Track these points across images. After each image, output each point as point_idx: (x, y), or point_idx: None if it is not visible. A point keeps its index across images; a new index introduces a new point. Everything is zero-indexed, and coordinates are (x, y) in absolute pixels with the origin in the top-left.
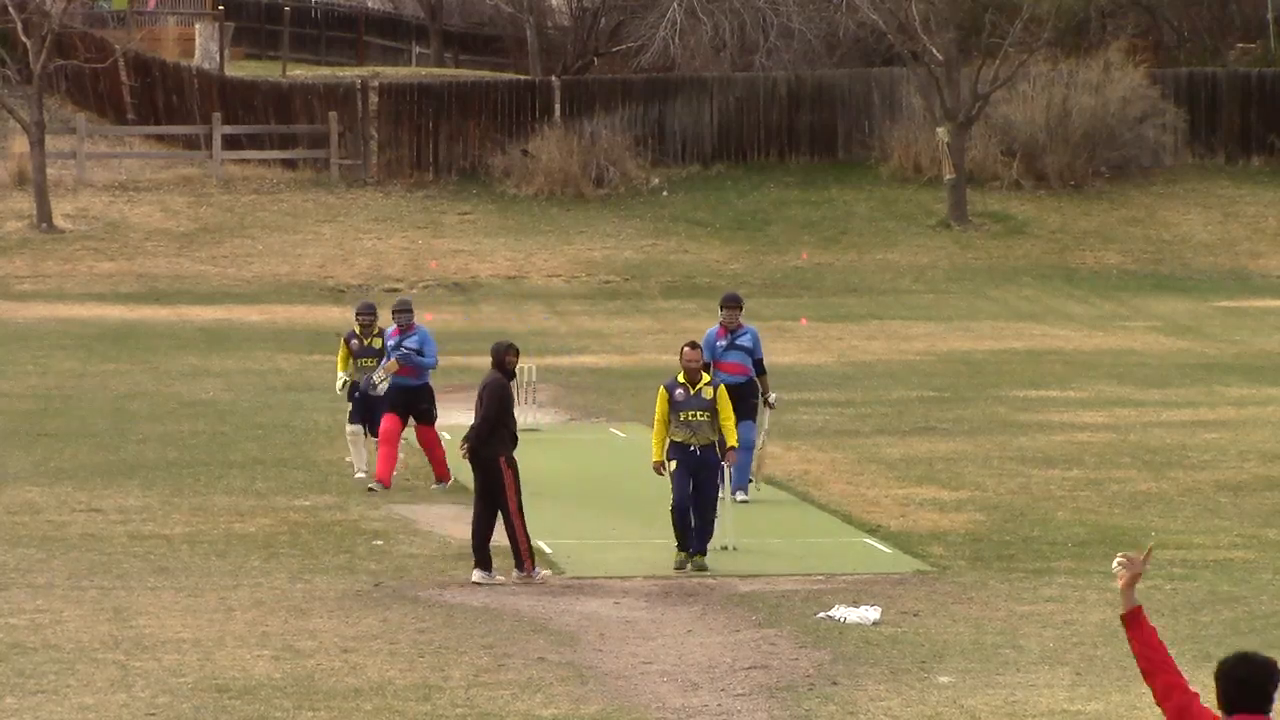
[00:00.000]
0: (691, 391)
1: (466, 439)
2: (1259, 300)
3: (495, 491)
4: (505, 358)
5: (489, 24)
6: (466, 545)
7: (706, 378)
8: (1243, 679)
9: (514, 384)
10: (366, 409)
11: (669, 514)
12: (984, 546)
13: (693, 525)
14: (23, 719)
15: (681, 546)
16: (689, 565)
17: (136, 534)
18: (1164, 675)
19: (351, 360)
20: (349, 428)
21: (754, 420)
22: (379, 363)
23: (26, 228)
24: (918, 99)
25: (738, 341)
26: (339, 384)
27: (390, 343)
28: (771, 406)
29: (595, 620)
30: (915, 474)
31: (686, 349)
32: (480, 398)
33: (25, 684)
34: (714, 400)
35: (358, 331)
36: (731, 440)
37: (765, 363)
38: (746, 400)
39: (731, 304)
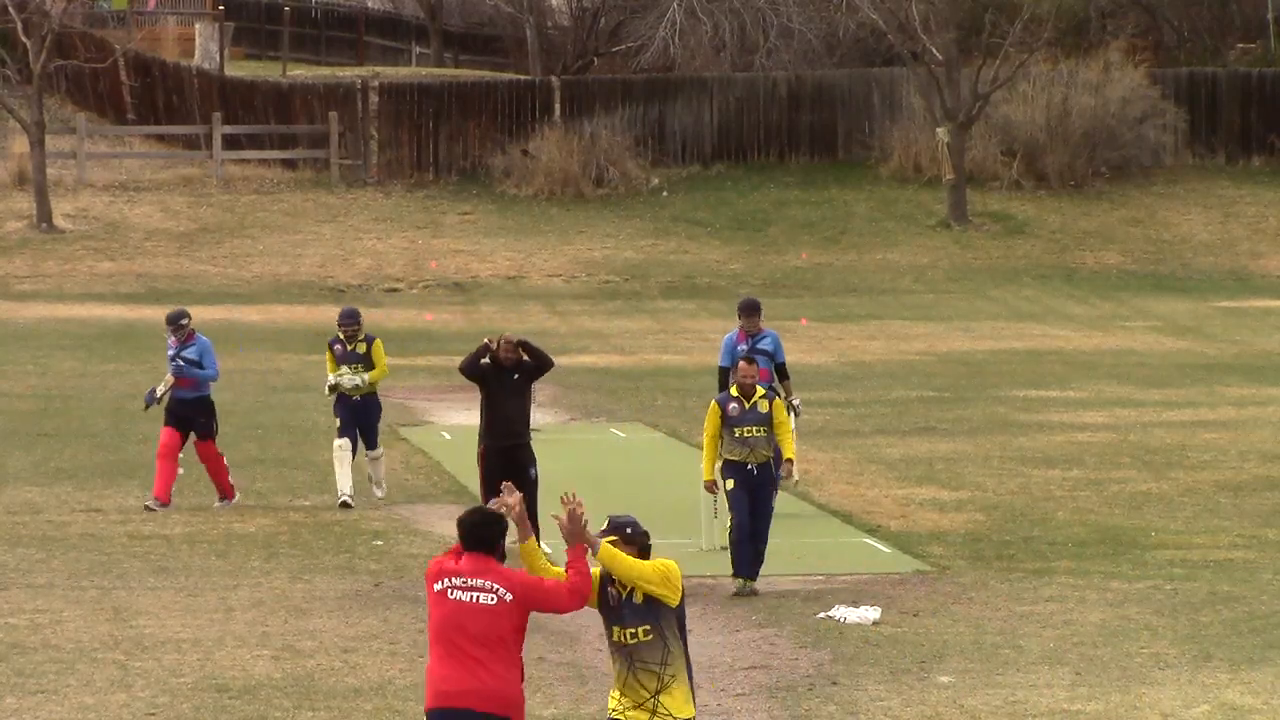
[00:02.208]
0: (746, 405)
1: None
2: (1259, 300)
3: None
4: (492, 350)
5: (489, 24)
6: None
7: (761, 390)
8: (474, 524)
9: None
10: (355, 422)
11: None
12: (984, 546)
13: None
14: (23, 719)
15: (738, 572)
16: (746, 589)
17: (136, 534)
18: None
19: (337, 366)
20: (337, 441)
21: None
22: (362, 369)
23: (26, 228)
24: (918, 99)
25: (758, 345)
26: (327, 387)
27: (170, 352)
28: (796, 413)
29: (596, 620)
30: (915, 474)
31: (743, 364)
32: None
33: (25, 684)
34: (770, 413)
35: (342, 337)
36: (789, 451)
37: (788, 366)
38: None
39: (746, 312)
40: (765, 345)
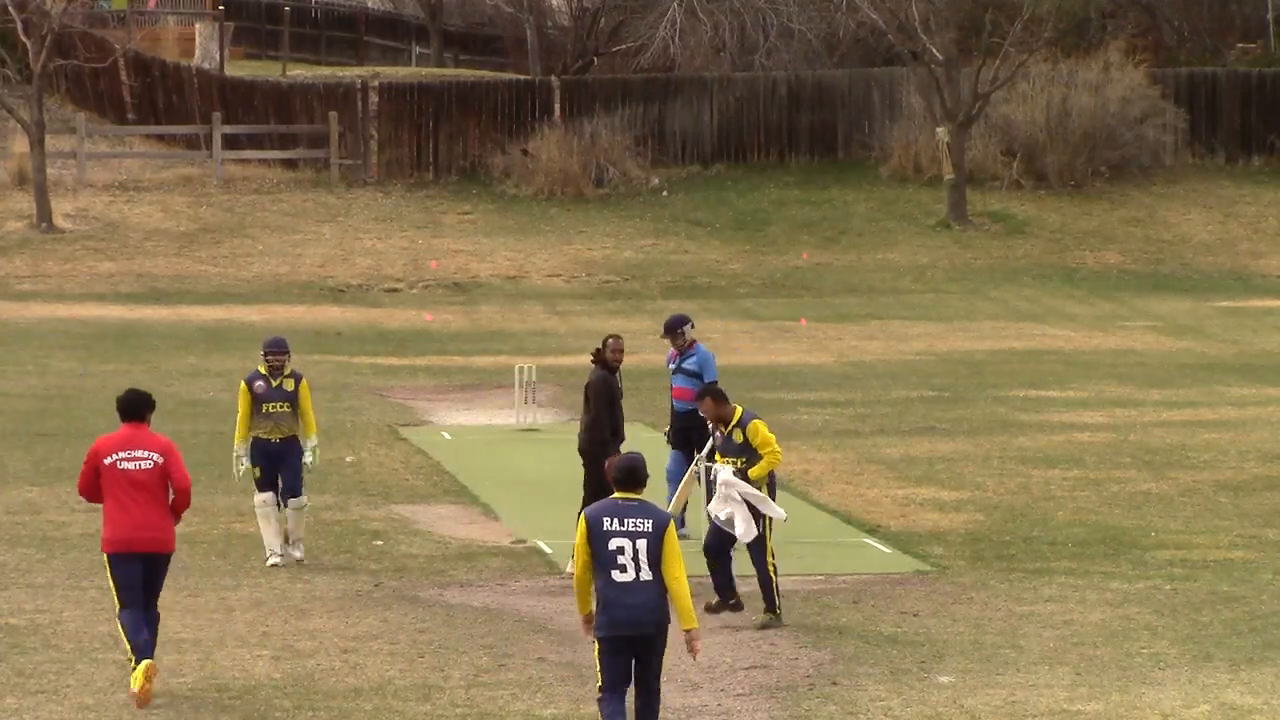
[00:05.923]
0: (722, 436)
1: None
2: (1259, 300)
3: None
4: (604, 353)
5: (489, 24)
6: (466, 545)
7: (738, 415)
8: (129, 401)
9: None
10: (277, 472)
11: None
12: (984, 546)
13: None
14: (23, 719)
15: (769, 606)
16: (771, 622)
17: None
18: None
19: (257, 408)
20: (258, 496)
21: (698, 452)
22: (291, 408)
23: (26, 228)
24: (918, 99)
25: (684, 365)
26: (237, 463)
27: None
28: (706, 472)
29: None
30: (915, 474)
31: (707, 400)
32: (586, 396)
33: (25, 684)
34: (745, 443)
35: (264, 371)
36: (754, 471)
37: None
38: (695, 430)
39: (665, 331)
40: (689, 365)
